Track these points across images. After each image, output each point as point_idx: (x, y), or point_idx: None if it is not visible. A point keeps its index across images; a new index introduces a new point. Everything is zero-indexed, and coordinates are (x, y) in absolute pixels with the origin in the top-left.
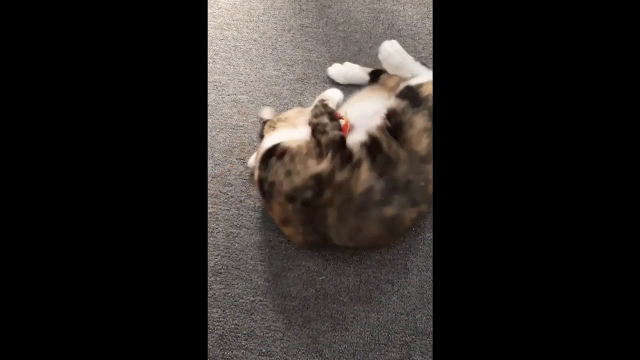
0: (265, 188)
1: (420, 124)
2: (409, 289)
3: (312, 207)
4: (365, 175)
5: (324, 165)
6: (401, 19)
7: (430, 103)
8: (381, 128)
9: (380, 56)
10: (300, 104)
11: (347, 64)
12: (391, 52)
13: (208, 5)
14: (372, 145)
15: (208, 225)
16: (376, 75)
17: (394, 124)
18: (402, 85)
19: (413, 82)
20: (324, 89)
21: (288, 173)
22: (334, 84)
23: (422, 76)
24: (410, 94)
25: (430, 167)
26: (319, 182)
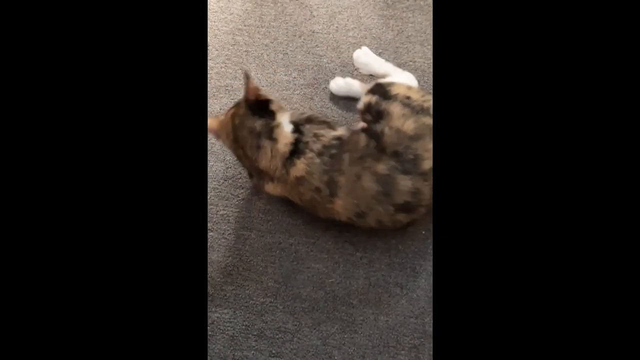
0: (301, 147)
1: (398, 111)
2: (418, 292)
3: (336, 158)
4: (363, 137)
5: (341, 131)
6: (410, 25)
7: (400, 99)
8: (362, 115)
9: (354, 62)
10: (310, 109)
11: (348, 79)
12: (360, 55)
13: (220, 11)
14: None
15: (220, 227)
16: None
17: (373, 114)
18: (372, 83)
19: (383, 80)
20: (333, 94)
21: (316, 135)
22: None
23: (393, 76)
24: (380, 90)
25: (418, 145)
26: (341, 142)
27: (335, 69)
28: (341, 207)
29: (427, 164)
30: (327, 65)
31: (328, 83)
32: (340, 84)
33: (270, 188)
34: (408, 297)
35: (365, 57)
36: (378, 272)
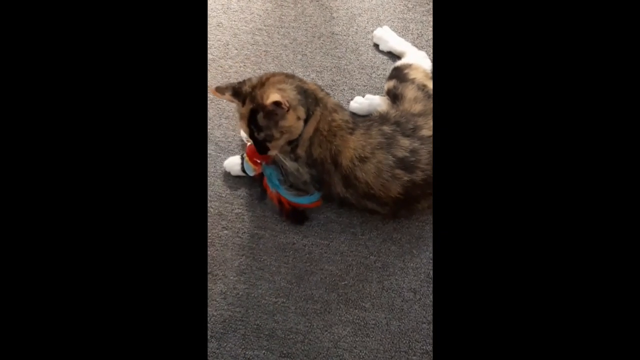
0: None
1: (411, 94)
2: (432, 297)
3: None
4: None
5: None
6: (430, 29)
7: (417, 83)
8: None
9: (374, 38)
10: None
11: (368, 96)
12: (381, 32)
13: (240, 10)
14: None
15: (234, 225)
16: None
17: (392, 97)
18: (391, 68)
19: (399, 63)
20: (352, 96)
21: None
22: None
23: (409, 55)
24: (398, 74)
25: (420, 119)
26: None
27: (354, 71)
28: (353, 142)
29: (426, 132)
30: (345, 67)
31: (346, 85)
32: (361, 101)
33: (312, 120)
34: (421, 303)
35: (386, 35)
36: (392, 277)
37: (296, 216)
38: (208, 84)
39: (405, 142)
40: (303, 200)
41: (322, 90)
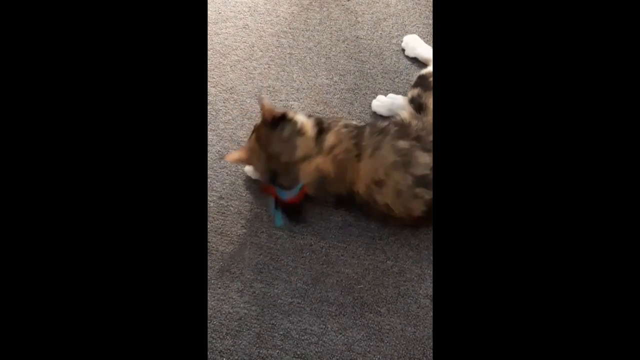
0: (325, 127)
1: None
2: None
3: (359, 130)
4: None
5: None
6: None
7: None
8: (409, 104)
9: (403, 44)
10: (350, 114)
11: (391, 95)
12: (410, 39)
13: (267, 13)
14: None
15: (253, 224)
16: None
17: (416, 106)
18: (416, 75)
19: (425, 71)
20: (374, 99)
21: (334, 120)
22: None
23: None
24: (422, 83)
25: None
26: (356, 125)
27: (377, 75)
28: (363, 168)
29: None
30: (369, 71)
31: (369, 89)
32: (383, 100)
33: (307, 165)
34: None
35: (414, 42)
36: (408, 282)
37: (291, 211)
38: (232, 84)
39: (425, 158)
40: (284, 195)
41: (320, 124)
